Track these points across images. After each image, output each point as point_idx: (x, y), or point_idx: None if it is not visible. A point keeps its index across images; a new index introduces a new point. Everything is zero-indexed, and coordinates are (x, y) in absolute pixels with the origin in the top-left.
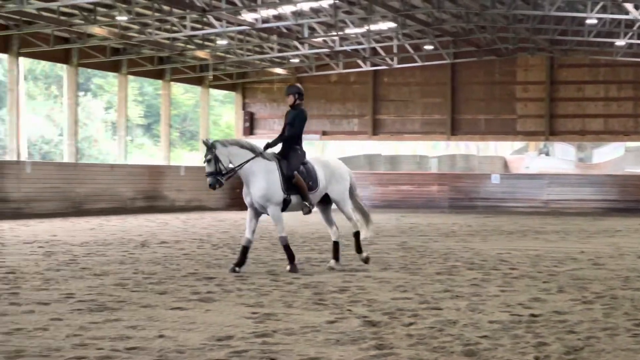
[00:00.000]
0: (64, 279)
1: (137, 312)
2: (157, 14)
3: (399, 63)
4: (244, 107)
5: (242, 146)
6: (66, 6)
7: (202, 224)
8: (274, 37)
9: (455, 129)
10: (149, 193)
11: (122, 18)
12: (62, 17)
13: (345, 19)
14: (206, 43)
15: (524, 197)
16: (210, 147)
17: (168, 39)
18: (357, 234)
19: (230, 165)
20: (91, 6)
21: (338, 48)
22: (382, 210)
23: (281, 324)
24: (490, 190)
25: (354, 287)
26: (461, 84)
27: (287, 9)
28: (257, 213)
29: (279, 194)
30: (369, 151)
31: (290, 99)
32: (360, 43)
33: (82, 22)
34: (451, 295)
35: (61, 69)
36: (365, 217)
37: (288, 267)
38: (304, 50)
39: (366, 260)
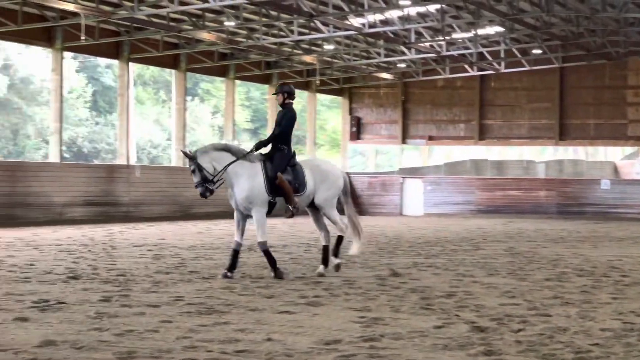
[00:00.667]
0: (173, 281)
1: (246, 315)
2: (264, 19)
3: (506, 67)
4: (350, 111)
5: (224, 149)
6: (175, 12)
7: (309, 228)
8: (381, 42)
9: (563, 134)
10: None
11: (230, 23)
12: (172, 23)
13: (452, 24)
14: (313, 48)
15: (634, 203)
16: (191, 157)
17: (275, 43)
18: (340, 238)
19: (217, 170)
20: (200, 12)
21: (445, 53)
22: (489, 216)
23: (389, 329)
24: (600, 196)
25: (461, 292)
26: (570, 88)
27: (394, 14)
28: (244, 216)
29: (262, 196)
30: (476, 156)
31: (280, 98)
32: (467, 48)
33: (191, 27)
34: (561, 302)
35: (170, 74)
36: (355, 230)
37: (272, 274)
38: (411, 55)
39: (337, 268)
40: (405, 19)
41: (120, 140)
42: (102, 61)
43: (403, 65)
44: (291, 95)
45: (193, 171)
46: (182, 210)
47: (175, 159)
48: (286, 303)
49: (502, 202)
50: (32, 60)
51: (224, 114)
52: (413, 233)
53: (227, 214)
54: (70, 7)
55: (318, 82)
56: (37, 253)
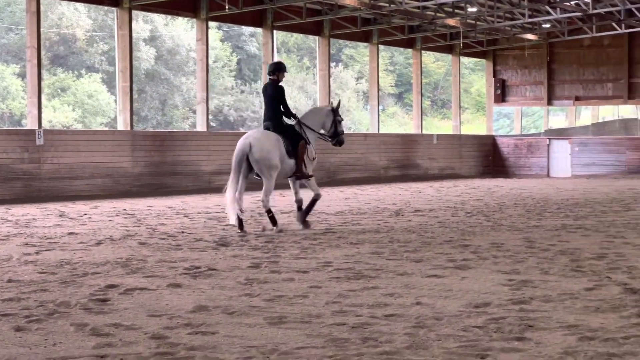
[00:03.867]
0: (321, 247)
1: (394, 279)
2: None
3: None
4: (494, 74)
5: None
6: None
7: (456, 192)
8: (525, 3)
9: None
10: (402, 162)
11: None
12: None
13: None
14: (456, 11)
15: None
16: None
17: (418, 7)
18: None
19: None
20: None
21: (591, 11)
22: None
23: (538, 291)
24: None
25: (612, 254)
26: None
27: None
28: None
29: None
30: (625, 115)
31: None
32: (614, 5)
33: None
34: None
35: (313, 41)
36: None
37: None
38: (556, 15)
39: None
40: None
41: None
42: (246, 30)
43: (548, 25)
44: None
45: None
46: (328, 176)
47: None
48: (434, 267)
49: None
50: (178, 31)
51: (368, 79)
52: (561, 195)
53: (373, 179)
54: None
55: (461, 45)
56: (187, 221)
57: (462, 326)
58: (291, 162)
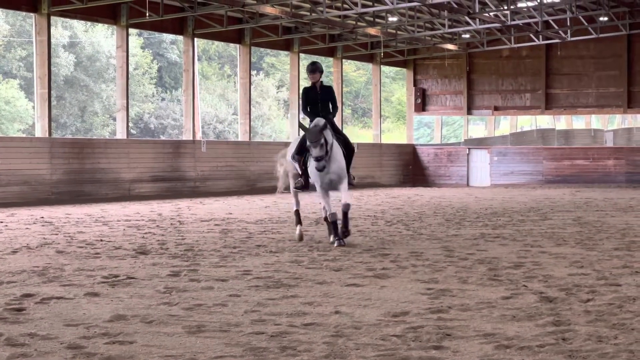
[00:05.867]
0: (241, 256)
1: (313, 288)
2: None
3: (572, 36)
4: (415, 83)
5: (326, 126)
6: None
7: (376, 201)
8: (445, 13)
9: (632, 102)
10: None
11: None
12: None
13: None
14: (377, 20)
15: None
16: (323, 128)
17: (339, 16)
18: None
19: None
20: None
21: (510, 22)
22: (556, 186)
23: (456, 300)
24: None
25: (529, 262)
26: (638, 56)
27: None
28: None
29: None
30: (542, 126)
31: (317, 77)
32: (532, 17)
33: (255, 2)
34: (631, 271)
35: (234, 49)
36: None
37: (343, 234)
38: (475, 25)
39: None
40: None
41: (186, 115)
42: (167, 37)
43: (467, 35)
44: (322, 73)
45: (321, 145)
46: (248, 184)
47: (241, 134)
48: (354, 276)
49: (569, 171)
50: (98, 38)
51: (289, 87)
52: (480, 204)
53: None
54: None
55: (382, 54)
56: (106, 229)
57: (380, 335)
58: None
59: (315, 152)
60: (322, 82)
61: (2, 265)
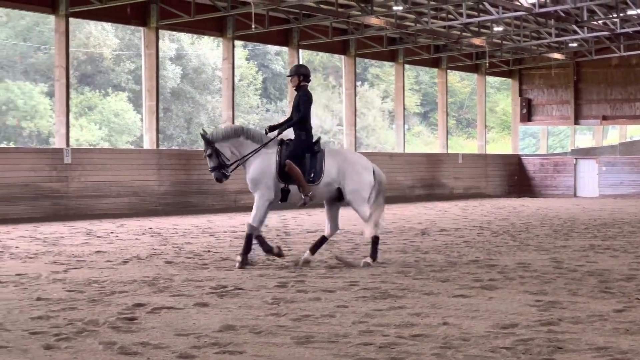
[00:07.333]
0: (348, 267)
1: (420, 299)
2: (432, 3)
3: None
4: (520, 93)
5: (244, 135)
6: None
7: (481, 211)
8: (552, 22)
9: None
10: (428, 181)
11: (398, 8)
12: (340, 9)
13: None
14: (482, 30)
15: None
16: (210, 142)
17: (444, 27)
18: (376, 239)
19: (237, 157)
20: None
21: (619, 30)
22: None
23: (567, 312)
24: None
25: None
26: None
27: None
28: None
29: (269, 181)
30: None
31: (295, 80)
32: None
33: (359, 13)
34: None
35: (339, 60)
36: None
37: (238, 258)
38: (583, 34)
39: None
40: None
41: None
42: (272, 48)
43: (575, 44)
44: (307, 78)
45: (209, 155)
46: None
47: (346, 145)
48: (461, 287)
49: None
50: (204, 50)
51: (394, 98)
52: (588, 214)
53: (398, 198)
54: None
55: (487, 64)
56: (213, 240)
57: (489, 347)
58: None
59: (209, 163)
60: (304, 86)
61: (114, 275)
